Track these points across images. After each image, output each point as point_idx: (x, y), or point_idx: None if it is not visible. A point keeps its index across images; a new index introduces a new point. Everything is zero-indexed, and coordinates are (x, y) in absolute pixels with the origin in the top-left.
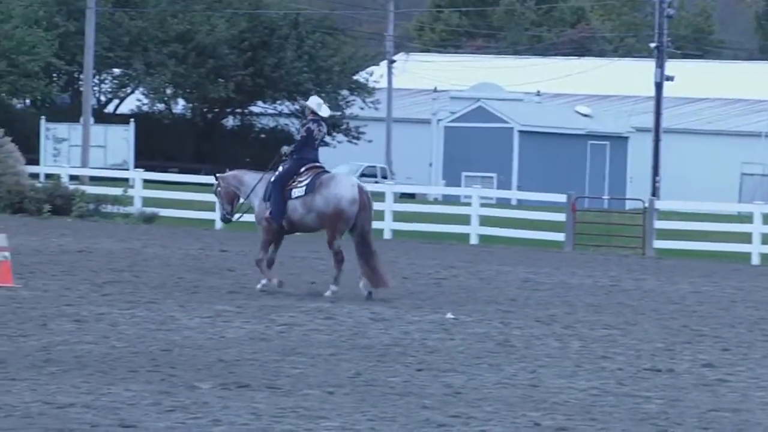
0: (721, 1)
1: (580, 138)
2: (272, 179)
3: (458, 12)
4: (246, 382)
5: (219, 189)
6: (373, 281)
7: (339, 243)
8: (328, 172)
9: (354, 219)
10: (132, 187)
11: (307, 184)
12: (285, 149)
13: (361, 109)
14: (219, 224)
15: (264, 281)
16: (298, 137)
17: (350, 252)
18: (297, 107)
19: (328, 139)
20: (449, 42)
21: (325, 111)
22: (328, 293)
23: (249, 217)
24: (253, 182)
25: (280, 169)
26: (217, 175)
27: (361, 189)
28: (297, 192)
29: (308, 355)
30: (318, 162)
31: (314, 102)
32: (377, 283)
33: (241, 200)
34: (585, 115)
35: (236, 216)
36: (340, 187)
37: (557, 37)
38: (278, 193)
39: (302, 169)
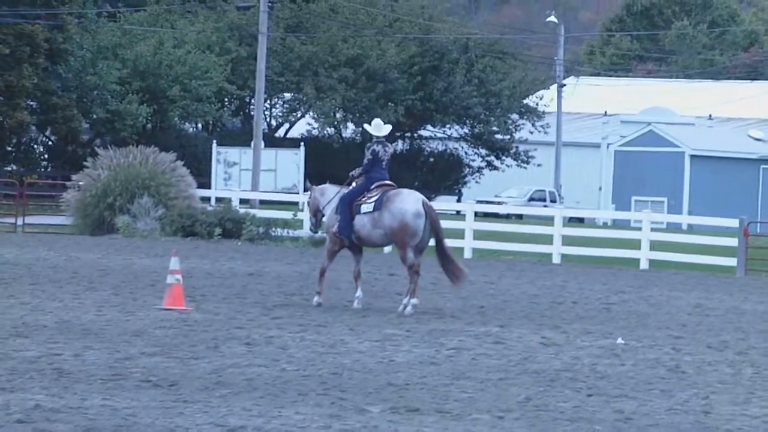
0: None
1: (753, 162)
2: (342, 196)
3: (629, 36)
4: (415, 406)
5: (308, 200)
6: (454, 277)
7: (412, 257)
8: (410, 190)
9: (421, 232)
10: (302, 210)
11: (375, 201)
12: (354, 172)
13: (531, 133)
14: (388, 248)
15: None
16: (364, 160)
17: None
18: (466, 131)
19: (497, 163)
20: (620, 66)
21: (384, 131)
22: (409, 309)
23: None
24: (332, 195)
25: (353, 186)
26: (309, 186)
27: (425, 203)
28: (366, 208)
29: (477, 380)
30: (387, 181)
31: (372, 126)
32: (459, 276)
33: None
34: (757, 139)
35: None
36: (404, 202)
37: (730, 60)
38: (346, 210)
39: (372, 187)
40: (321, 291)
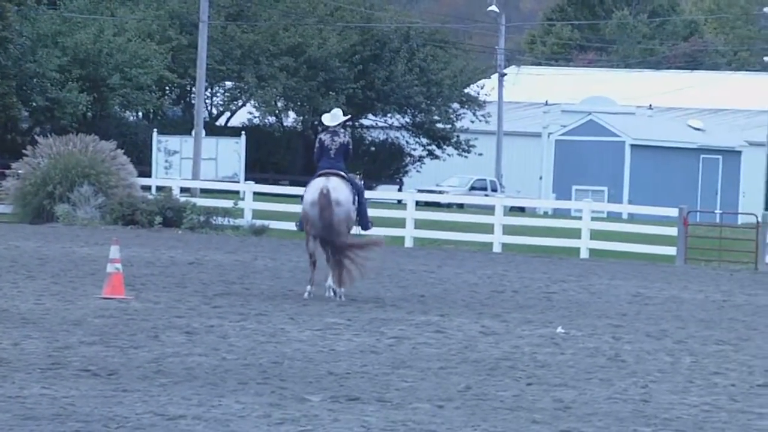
0: None
1: (693, 152)
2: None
3: (570, 25)
4: (356, 395)
5: None
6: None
7: (312, 246)
8: (332, 177)
9: (318, 221)
10: (242, 199)
11: (305, 190)
12: None
13: (472, 122)
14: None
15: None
16: (314, 149)
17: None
18: (408, 120)
19: (438, 152)
20: (561, 55)
21: (334, 120)
22: (305, 295)
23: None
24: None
25: None
26: None
27: (321, 192)
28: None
29: (418, 369)
30: (332, 169)
31: (329, 115)
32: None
33: None
34: (697, 129)
35: None
36: (308, 192)
37: (670, 50)
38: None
39: (316, 175)
40: (311, 281)
